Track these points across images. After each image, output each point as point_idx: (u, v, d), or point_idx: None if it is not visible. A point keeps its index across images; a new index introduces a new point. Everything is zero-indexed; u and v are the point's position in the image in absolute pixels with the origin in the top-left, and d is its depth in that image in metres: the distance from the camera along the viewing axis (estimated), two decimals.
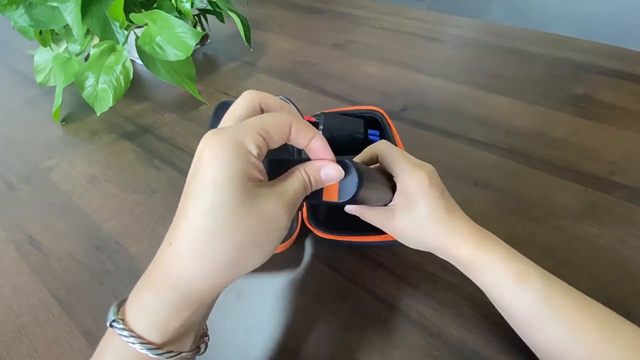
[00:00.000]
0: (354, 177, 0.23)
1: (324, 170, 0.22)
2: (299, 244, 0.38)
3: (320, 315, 0.33)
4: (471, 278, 0.28)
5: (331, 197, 0.23)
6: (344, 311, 0.33)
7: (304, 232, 0.38)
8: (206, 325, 0.25)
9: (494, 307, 0.28)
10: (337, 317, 0.33)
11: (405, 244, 0.30)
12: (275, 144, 0.20)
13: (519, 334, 0.27)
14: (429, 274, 0.35)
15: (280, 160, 0.23)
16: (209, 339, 0.24)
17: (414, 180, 0.27)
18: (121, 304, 0.21)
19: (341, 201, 0.23)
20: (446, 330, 0.31)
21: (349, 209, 0.32)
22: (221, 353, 0.31)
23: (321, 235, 0.36)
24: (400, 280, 0.35)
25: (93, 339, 0.33)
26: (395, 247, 0.37)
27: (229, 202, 0.18)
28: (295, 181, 0.21)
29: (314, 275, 0.36)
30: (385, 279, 0.35)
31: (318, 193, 0.24)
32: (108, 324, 0.19)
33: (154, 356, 0.19)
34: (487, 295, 0.28)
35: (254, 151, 0.19)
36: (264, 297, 0.35)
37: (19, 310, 0.36)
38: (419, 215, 0.27)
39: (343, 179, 0.23)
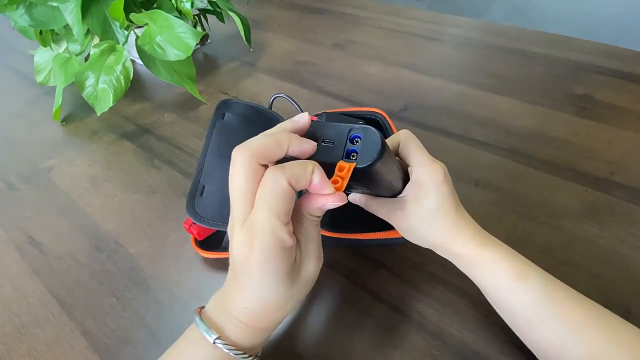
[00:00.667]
0: (377, 143, 0.21)
1: (327, 206, 0.22)
2: None
3: (320, 315, 0.33)
4: (471, 277, 0.28)
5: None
6: (344, 311, 0.33)
7: None
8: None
9: (485, 288, 0.28)
10: (337, 317, 0.33)
11: (408, 238, 0.30)
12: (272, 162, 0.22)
13: (517, 334, 0.27)
14: (429, 274, 0.35)
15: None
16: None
17: (430, 172, 0.27)
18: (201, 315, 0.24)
19: (360, 166, 0.22)
20: (446, 330, 0.31)
21: (354, 198, 0.32)
22: None
23: (322, 234, 0.36)
24: (400, 280, 0.35)
25: (93, 339, 0.33)
26: (395, 247, 0.37)
27: (279, 293, 0.23)
28: (315, 232, 0.24)
29: None
30: (385, 279, 0.35)
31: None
32: (212, 341, 0.23)
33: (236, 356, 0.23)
34: (485, 294, 0.28)
35: (286, 234, 0.21)
36: None
37: (19, 310, 0.36)
38: (427, 208, 0.27)
39: (365, 142, 0.22)
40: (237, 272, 0.22)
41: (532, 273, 0.26)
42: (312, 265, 0.24)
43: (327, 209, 0.22)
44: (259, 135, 0.22)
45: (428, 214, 0.27)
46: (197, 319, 0.24)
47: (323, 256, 0.25)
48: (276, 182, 0.20)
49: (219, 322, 0.24)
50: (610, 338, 0.23)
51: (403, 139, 0.29)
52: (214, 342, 0.23)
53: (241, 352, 0.23)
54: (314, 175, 0.21)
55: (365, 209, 0.31)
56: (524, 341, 0.27)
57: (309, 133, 0.23)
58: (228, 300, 0.24)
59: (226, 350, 0.23)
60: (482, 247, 0.27)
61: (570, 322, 0.24)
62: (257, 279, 0.22)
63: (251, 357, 0.24)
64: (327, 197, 0.21)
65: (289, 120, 0.23)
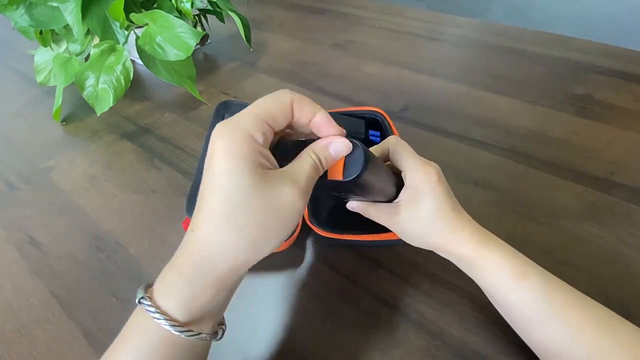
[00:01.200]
0: (360, 155, 0.22)
1: (333, 146, 0.22)
2: (299, 243, 0.38)
3: (320, 315, 0.33)
4: (471, 276, 0.28)
5: (336, 175, 0.23)
6: (344, 311, 0.33)
7: (305, 232, 0.38)
8: (223, 317, 0.25)
9: (494, 307, 0.28)
10: (337, 317, 0.33)
11: (407, 242, 0.30)
12: (280, 126, 0.21)
13: (518, 332, 0.27)
14: (429, 274, 0.35)
15: (288, 144, 0.23)
16: (226, 327, 0.25)
17: (423, 175, 0.27)
18: (148, 286, 0.22)
19: (346, 179, 0.22)
20: (446, 330, 0.31)
21: (352, 206, 0.32)
22: (221, 352, 0.31)
23: (322, 234, 0.36)
24: (400, 280, 0.35)
25: (93, 339, 0.33)
26: (395, 247, 0.37)
27: (242, 187, 0.19)
28: (306, 164, 0.21)
29: (314, 275, 0.36)
30: (385, 279, 0.35)
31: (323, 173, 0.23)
32: (137, 300, 0.21)
33: (176, 333, 0.20)
34: (486, 293, 0.28)
35: (260, 140, 0.20)
36: (264, 297, 0.35)
37: (19, 310, 0.36)
38: (424, 212, 0.27)
39: (349, 156, 0.22)
40: (202, 185, 0.20)
41: (532, 272, 0.26)
42: (289, 189, 0.20)
43: (334, 153, 0.22)
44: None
45: (425, 217, 0.27)
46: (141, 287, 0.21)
47: (302, 224, 0.27)
48: (280, 94, 0.21)
49: (157, 283, 0.21)
50: (609, 337, 0.23)
51: (392, 145, 0.29)
52: (139, 302, 0.20)
53: (161, 315, 0.20)
54: (320, 113, 0.22)
55: (365, 215, 0.31)
56: (525, 340, 0.27)
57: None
58: (177, 254, 0.21)
59: (148, 310, 0.20)
60: (481, 246, 0.27)
61: (570, 322, 0.24)
62: (219, 167, 0.19)
63: (184, 329, 0.20)
64: (331, 137, 0.22)
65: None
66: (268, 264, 0.37)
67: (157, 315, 0.20)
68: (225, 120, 0.20)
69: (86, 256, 0.40)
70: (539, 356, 0.27)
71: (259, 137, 0.20)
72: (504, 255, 0.27)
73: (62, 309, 0.35)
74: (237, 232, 0.19)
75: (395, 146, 0.29)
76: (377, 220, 0.30)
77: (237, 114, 0.20)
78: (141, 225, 0.43)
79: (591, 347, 0.23)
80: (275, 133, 0.21)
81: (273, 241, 0.21)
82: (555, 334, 0.25)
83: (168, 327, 0.20)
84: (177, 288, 0.20)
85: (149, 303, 0.20)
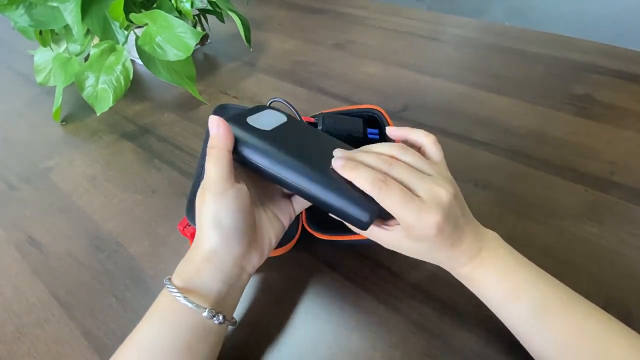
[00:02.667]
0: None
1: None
2: (299, 243, 0.38)
3: (320, 315, 0.33)
4: (472, 291, 0.29)
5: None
6: (344, 311, 0.33)
7: (305, 232, 0.38)
8: (234, 317, 0.29)
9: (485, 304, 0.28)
10: (337, 317, 0.33)
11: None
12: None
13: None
14: (429, 274, 0.35)
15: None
16: (235, 324, 0.29)
17: (422, 228, 0.25)
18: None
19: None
20: (446, 330, 0.31)
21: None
22: (221, 352, 0.31)
23: (321, 237, 0.36)
24: (400, 280, 0.35)
25: (93, 339, 0.33)
26: None
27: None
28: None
29: (314, 275, 0.36)
30: (385, 279, 0.35)
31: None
32: (164, 280, 0.26)
33: (192, 306, 0.24)
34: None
35: (227, 181, 0.25)
36: (264, 297, 0.35)
37: (19, 310, 0.36)
38: (423, 249, 0.27)
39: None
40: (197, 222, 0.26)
41: (524, 294, 0.26)
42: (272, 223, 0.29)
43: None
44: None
45: (425, 252, 0.28)
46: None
47: (301, 229, 0.31)
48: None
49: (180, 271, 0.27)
50: (602, 356, 0.23)
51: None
52: (165, 283, 0.26)
53: (180, 294, 0.25)
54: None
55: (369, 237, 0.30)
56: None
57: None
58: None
59: (172, 292, 0.25)
60: (478, 268, 0.27)
61: (561, 342, 0.24)
62: (204, 207, 0.25)
63: (204, 309, 0.25)
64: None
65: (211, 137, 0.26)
66: (268, 265, 0.36)
67: (166, 280, 0.26)
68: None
69: (86, 256, 0.40)
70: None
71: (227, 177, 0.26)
72: (498, 277, 0.27)
73: (62, 309, 0.35)
74: (214, 238, 0.26)
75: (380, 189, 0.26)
76: (378, 241, 0.29)
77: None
78: (141, 225, 0.43)
79: None
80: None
81: (224, 232, 0.26)
82: (547, 348, 0.25)
83: (170, 288, 0.25)
84: (180, 266, 0.27)
85: (171, 284, 0.26)
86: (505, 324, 0.27)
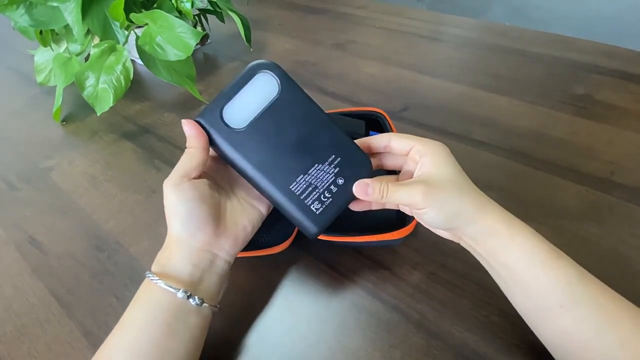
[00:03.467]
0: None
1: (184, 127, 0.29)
2: (299, 243, 0.38)
3: (320, 315, 0.33)
4: (494, 254, 0.26)
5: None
6: (344, 311, 0.33)
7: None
8: (218, 304, 0.30)
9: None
10: (337, 317, 0.33)
11: (432, 220, 0.27)
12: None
13: (534, 321, 0.26)
14: (429, 274, 0.35)
15: None
16: (218, 309, 0.30)
17: (437, 145, 0.28)
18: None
19: None
20: (446, 330, 0.31)
21: (364, 191, 0.29)
22: (220, 352, 0.31)
23: (321, 238, 0.36)
24: (400, 280, 0.35)
25: (93, 339, 0.33)
26: (395, 247, 0.37)
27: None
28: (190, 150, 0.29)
29: (314, 275, 0.36)
30: (385, 279, 0.35)
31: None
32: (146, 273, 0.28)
33: (152, 279, 0.27)
34: (511, 274, 0.26)
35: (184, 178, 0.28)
36: (263, 296, 0.35)
37: (19, 310, 0.36)
38: (451, 170, 0.28)
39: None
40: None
41: (563, 254, 0.25)
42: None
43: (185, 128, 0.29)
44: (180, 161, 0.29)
45: (455, 176, 0.27)
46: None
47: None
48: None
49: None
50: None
51: (388, 135, 0.30)
52: (146, 275, 0.27)
53: (156, 277, 0.26)
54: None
55: (385, 203, 0.29)
56: (541, 330, 0.26)
57: None
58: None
59: (149, 276, 0.27)
60: (513, 220, 0.26)
61: (604, 307, 0.23)
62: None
63: (177, 290, 0.26)
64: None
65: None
66: (268, 264, 0.37)
67: (147, 272, 0.27)
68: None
69: (86, 256, 0.40)
70: (554, 350, 0.26)
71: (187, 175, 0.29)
72: (536, 234, 0.26)
73: (62, 309, 0.35)
74: (174, 225, 0.28)
75: (391, 135, 0.30)
76: (399, 202, 0.28)
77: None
78: (141, 225, 0.43)
79: (624, 335, 0.22)
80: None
81: (184, 219, 0.28)
82: (587, 319, 0.23)
83: (147, 273, 0.27)
84: (158, 254, 0.29)
85: (150, 273, 0.27)
86: (539, 293, 0.25)
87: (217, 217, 0.29)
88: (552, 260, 0.25)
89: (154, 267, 0.28)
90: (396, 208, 0.31)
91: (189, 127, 0.28)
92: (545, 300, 0.25)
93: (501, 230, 0.26)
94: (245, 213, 0.31)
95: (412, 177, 0.29)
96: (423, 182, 0.27)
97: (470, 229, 0.27)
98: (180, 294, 0.26)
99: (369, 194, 0.28)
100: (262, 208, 0.32)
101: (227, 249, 0.29)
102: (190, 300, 0.26)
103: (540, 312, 0.25)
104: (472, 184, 0.28)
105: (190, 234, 0.28)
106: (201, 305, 0.27)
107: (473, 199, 0.27)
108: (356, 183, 0.29)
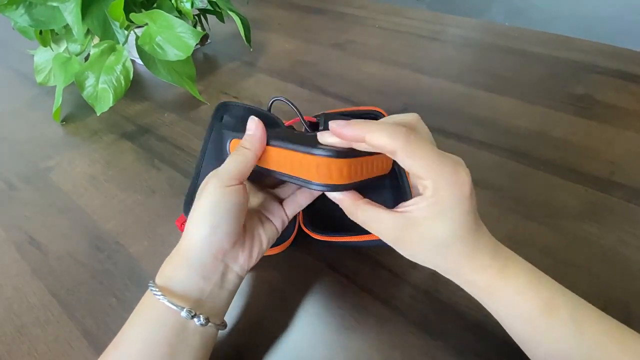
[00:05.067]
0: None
1: (248, 125, 0.27)
2: (298, 243, 0.38)
3: (320, 315, 0.33)
4: (485, 305, 0.25)
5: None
6: (344, 311, 0.33)
7: (303, 232, 0.38)
8: (225, 321, 0.29)
9: (504, 321, 0.26)
10: (337, 317, 0.33)
11: (407, 257, 0.26)
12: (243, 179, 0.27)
13: None
14: (429, 274, 0.35)
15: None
16: (225, 327, 0.28)
17: (452, 183, 0.22)
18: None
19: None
20: (446, 330, 0.31)
21: (340, 199, 0.27)
22: (220, 352, 0.31)
23: (319, 238, 0.36)
24: (400, 280, 0.35)
25: (93, 339, 0.33)
26: None
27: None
28: (230, 158, 0.27)
29: (314, 275, 0.36)
30: (385, 279, 0.35)
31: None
32: (149, 283, 0.26)
33: (156, 295, 0.24)
34: (503, 325, 0.25)
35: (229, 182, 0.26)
36: (264, 296, 0.35)
37: (19, 311, 0.36)
38: (445, 231, 0.22)
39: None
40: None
41: (561, 304, 0.23)
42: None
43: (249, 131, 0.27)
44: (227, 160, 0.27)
45: (444, 237, 0.22)
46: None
47: (298, 228, 0.32)
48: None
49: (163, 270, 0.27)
50: None
51: (403, 137, 0.21)
52: (149, 287, 0.25)
53: (160, 293, 0.24)
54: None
55: (353, 219, 0.26)
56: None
57: None
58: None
59: (152, 291, 0.25)
60: (502, 274, 0.23)
61: (603, 352, 0.22)
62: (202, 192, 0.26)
63: (182, 308, 0.24)
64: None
65: (245, 136, 0.27)
66: (268, 264, 0.37)
67: (150, 283, 0.26)
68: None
69: (86, 256, 0.40)
70: None
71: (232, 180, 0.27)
72: (528, 286, 0.23)
73: (62, 309, 0.35)
74: (193, 223, 0.26)
75: (408, 139, 0.21)
76: (370, 229, 0.25)
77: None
78: (141, 225, 0.43)
79: None
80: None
81: (210, 226, 0.26)
82: None
83: (150, 286, 0.25)
84: (163, 264, 0.27)
85: (153, 286, 0.25)
86: (533, 346, 0.24)
87: (242, 230, 0.27)
88: (545, 316, 0.23)
89: (158, 279, 0.26)
90: None
91: (256, 128, 0.26)
92: (539, 353, 0.24)
93: (486, 286, 0.24)
94: (264, 229, 0.29)
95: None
96: (399, 228, 0.23)
97: (449, 277, 0.25)
98: (184, 314, 0.24)
99: (339, 202, 0.26)
100: (277, 224, 0.30)
101: (241, 262, 0.27)
102: (195, 320, 0.24)
103: (548, 353, 0.24)
104: (472, 236, 0.23)
105: (213, 241, 0.25)
106: (206, 325, 0.25)
107: (455, 261, 0.24)
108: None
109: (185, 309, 0.24)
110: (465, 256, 0.23)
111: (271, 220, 0.30)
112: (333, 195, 0.27)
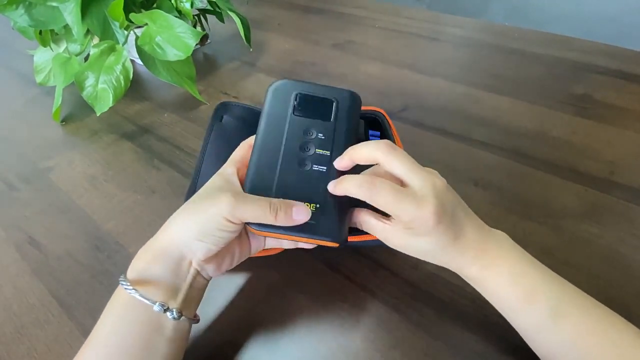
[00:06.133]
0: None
1: (296, 207, 0.26)
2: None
3: (320, 315, 0.33)
4: (481, 292, 0.28)
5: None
6: (344, 311, 0.33)
7: None
8: (198, 315, 0.29)
9: (494, 307, 0.28)
10: (337, 317, 0.33)
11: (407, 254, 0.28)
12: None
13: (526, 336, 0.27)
14: (429, 274, 0.35)
15: None
16: (197, 321, 0.28)
17: (419, 219, 0.24)
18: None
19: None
20: (446, 330, 0.31)
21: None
22: (220, 352, 0.31)
23: None
24: (400, 280, 0.35)
25: None
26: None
27: (197, 195, 0.27)
28: (261, 204, 0.25)
29: (314, 275, 0.36)
30: (385, 279, 0.35)
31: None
32: (119, 278, 0.25)
33: (125, 286, 0.25)
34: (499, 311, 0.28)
35: (231, 170, 0.28)
36: (263, 296, 0.35)
37: (19, 311, 0.36)
38: (425, 247, 0.26)
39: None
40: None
41: (541, 294, 0.25)
42: (222, 200, 0.25)
43: (296, 216, 0.26)
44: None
45: (425, 247, 0.26)
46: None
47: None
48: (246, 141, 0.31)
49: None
50: None
51: (381, 160, 0.26)
52: (119, 282, 0.25)
53: (131, 287, 0.24)
54: None
55: (357, 226, 0.29)
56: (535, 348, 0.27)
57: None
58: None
59: (123, 285, 0.24)
60: (487, 269, 0.26)
61: (579, 346, 0.24)
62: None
63: (154, 302, 0.24)
64: (299, 204, 0.26)
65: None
66: (268, 264, 0.37)
67: (121, 278, 0.25)
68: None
69: (86, 256, 0.40)
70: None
71: (230, 169, 0.28)
72: (509, 278, 0.26)
73: (62, 309, 0.35)
74: (175, 218, 0.27)
75: (385, 162, 0.26)
76: (372, 233, 0.28)
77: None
78: (141, 225, 0.43)
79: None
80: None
81: (192, 229, 0.26)
82: (561, 356, 0.25)
83: (121, 281, 0.25)
84: (136, 257, 0.27)
85: (124, 279, 0.25)
86: (517, 328, 0.27)
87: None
88: (524, 305, 0.25)
89: (129, 273, 0.26)
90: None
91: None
92: (525, 333, 0.27)
93: (475, 280, 0.27)
94: (240, 246, 0.29)
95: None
96: (393, 235, 0.27)
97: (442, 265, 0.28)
98: (156, 307, 0.24)
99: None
100: (254, 245, 0.30)
101: (209, 271, 0.28)
102: (168, 314, 0.25)
103: (526, 339, 0.27)
104: (450, 242, 0.26)
105: (193, 250, 0.26)
106: (179, 319, 0.25)
107: (445, 263, 0.27)
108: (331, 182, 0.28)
109: (158, 303, 0.24)
110: (453, 262, 0.27)
111: (249, 241, 0.30)
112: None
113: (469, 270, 0.27)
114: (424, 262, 0.35)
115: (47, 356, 0.32)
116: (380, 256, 0.37)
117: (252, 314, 0.34)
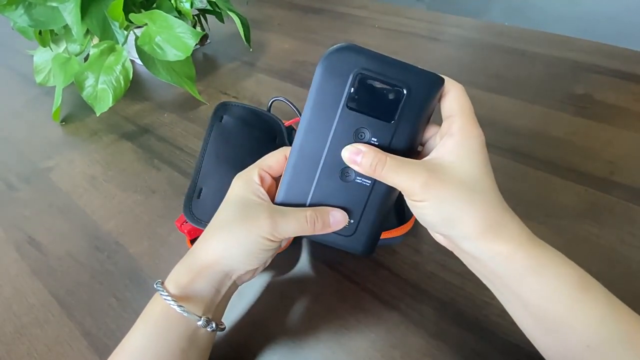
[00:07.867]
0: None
1: (333, 214, 0.26)
2: (299, 243, 0.38)
3: (320, 315, 0.33)
4: (503, 284, 0.23)
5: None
6: (344, 311, 0.33)
7: None
8: (223, 322, 0.29)
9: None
10: (337, 317, 0.33)
11: (427, 220, 0.24)
12: (276, 172, 0.28)
13: (551, 355, 0.23)
14: (429, 274, 0.35)
15: None
16: (222, 327, 0.29)
17: (472, 131, 0.23)
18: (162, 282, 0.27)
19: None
20: (446, 330, 0.31)
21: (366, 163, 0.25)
22: (221, 352, 0.31)
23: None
24: (400, 280, 0.35)
25: (93, 339, 0.33)
26: (395, 247, 0.37)
27: (231, 210, 0.27)
28: (300, 213, 0.25)
29: (314, 275, 0.36)
30: (385, 279, 0.35)
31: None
32: (155, 285, 0.26)
33: (171, 304, 0.24)
34: (517, 302, 0.23)
35: (257, 180, 0.27)
36: (264, 296, 0.35)
37: (19, 311, 0.36)
38: (471, 171, 0.22)
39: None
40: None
41: (593, 282, 0.21)
42: (263, 214, 0.25)
43: (333, 222, 0.26)
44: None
45: (470, 175, 0.22)
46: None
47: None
48: (278, 151, 0.28)
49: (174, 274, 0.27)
50: None
51: (452, 90, 0.26)
52: (156, 289, 0.25)
53: (174, 302, 0.24)
54: None
55: (377, 178, 0.24)
56: None
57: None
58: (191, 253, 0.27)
59: (166, 299, 0.24)
60: (535, 244, 0.22)
61: (637, 347, 0.20)
62: (226, 197, 0.27)
63: (199, 317, 0.25)
64: (336, 210, 0.26)
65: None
66: (269, 264, 0.36)
67: (158, 286, 0.26)
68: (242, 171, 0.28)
69: (86, 256, 0.40)
70: None
71: (256, 178, 0.27)
72: (564, 261, 0.21)
73: (62, 309, 0.35)
74: (216, 237, 0.26)
75: (455, 98, 0.25)
76: (393, 182, 0.23)
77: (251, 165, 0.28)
78: (141, 225, 0.43)
79: None
80: (274, 177, 0.28)
81: (240, 250, 0.26)
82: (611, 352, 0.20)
83: (164, 296, 0.25)
84: (175, 272, 0.27)
85: (161, 287, 0.26)
86: (559, 329, 0.21)
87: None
88: (581, 293, 0.20)
89: (172, 289, 0.25)
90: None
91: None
92: (568, 339, 0.21)
93: (513, 257, 0.21)
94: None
95: (426, 155, 0.24)
96: (429, 170, 0.22)
97: (466, 245, 0.23)
98: (201, 322, 0.25)
99: (358, 162, 0.23)
100: (283, 244, 0.29)
101: (245, 279, 0.29)
102: (208, 327, 0.25)
103: (561, 348, 0.22)
104: (495, 194, 0.23)
105: (235, 269, 0.26)
106: (216, 330, 0.26)
107: (482, 212, 0.22)
108: (347, 147, 0.24)
109: (203, 319, 0.25)
110: (495, 212, 0.22)
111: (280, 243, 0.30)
112: (349, 158, 0.24)
113: (503, 240, 0.22)
114: (424, 261, 0.36)
115: (47, 356, 0.32)
116: (380, 256, 0.37)
117: (252, 313, 0.34)
